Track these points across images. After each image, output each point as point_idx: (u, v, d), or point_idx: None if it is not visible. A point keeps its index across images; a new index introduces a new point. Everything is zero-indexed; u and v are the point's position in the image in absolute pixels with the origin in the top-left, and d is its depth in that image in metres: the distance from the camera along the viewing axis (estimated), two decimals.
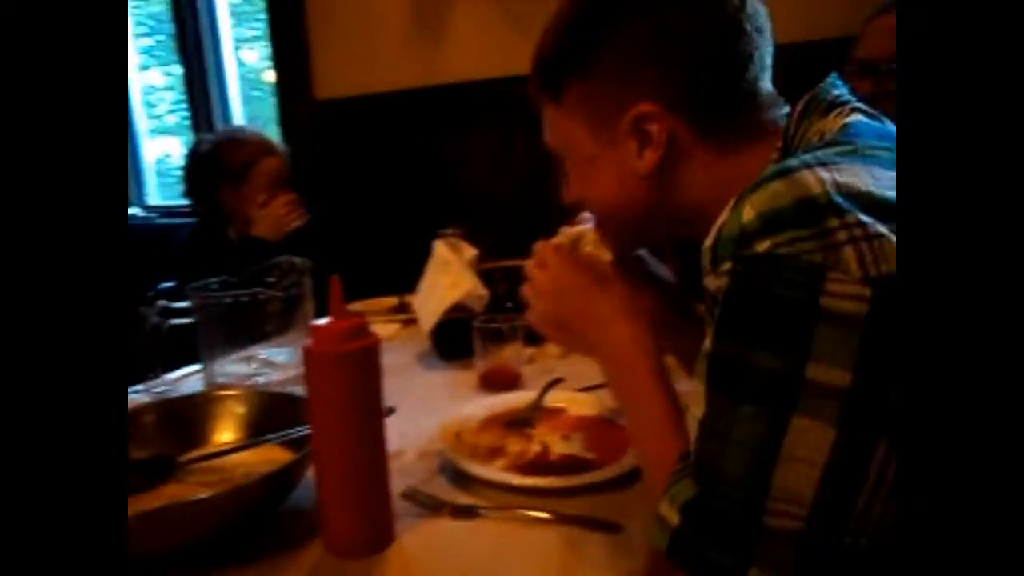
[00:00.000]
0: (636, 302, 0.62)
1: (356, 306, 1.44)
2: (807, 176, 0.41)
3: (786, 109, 0.57)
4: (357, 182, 1.83)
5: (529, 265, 0.68)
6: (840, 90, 0.55)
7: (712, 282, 0.43)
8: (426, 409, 0.87)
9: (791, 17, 1.22)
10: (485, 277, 1.10)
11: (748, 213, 0.41)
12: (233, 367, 0.86)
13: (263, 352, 0.87)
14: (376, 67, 1.74)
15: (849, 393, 0.37)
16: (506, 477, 0.67)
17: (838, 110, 0.52)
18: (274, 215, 1.51)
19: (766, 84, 0.57)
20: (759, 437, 0.40)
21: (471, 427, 0.80)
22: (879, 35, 1.13)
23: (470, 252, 1.10)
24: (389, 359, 0.97)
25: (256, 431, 0.71)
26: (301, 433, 0.65)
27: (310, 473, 0.61)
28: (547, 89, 0.60)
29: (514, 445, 0.75)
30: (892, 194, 0.40)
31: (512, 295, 1.13)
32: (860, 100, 0.55)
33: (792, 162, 0.43)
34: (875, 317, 0.37)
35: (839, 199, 0.39)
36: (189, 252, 1.53)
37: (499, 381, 0.95)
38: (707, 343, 0.43)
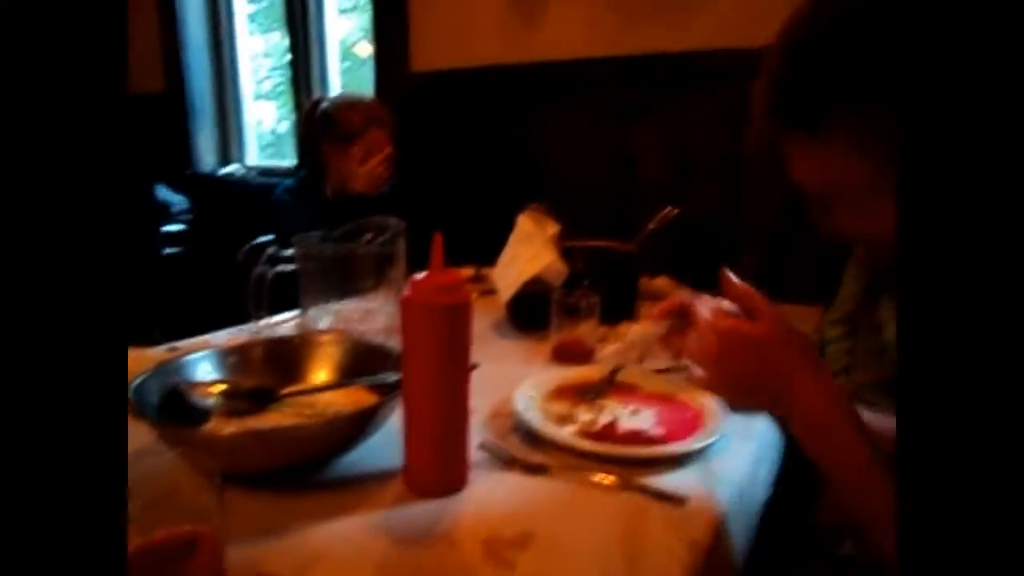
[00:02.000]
0: (810, 347, 0.58)
1: None
2: None
3: None
4: (447, 154, 1.87)
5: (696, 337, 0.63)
6: None
7: None
8: (501, 373, 0.90)
9: None
10: (565, 254, 1.12)
11: None
12: (329, 316, 0.92)
13: (357, 304, 0.93)
14: (472, 42, 1.77)
15: None
16: (576, 441, 0.70)
17: None
18: (370, 171, 1.60)
19: None
20: None
21: (544, 393, 0.83)
22: None
23: (553, 228, 1.12)
24: None
25: (346, 374, 0.77)
26: (389, 379, 0.70)
27: (394, 417, 0.66)
28: (808, 125, 0.52)
29: (585, 414, 0.77)
30: None
31: (590, 273, 1.16)
32: None
33: None
34: None
35: None
36: (287, 206, 1.63)
37: (572, 354, 0.98)
38: None
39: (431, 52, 1.87)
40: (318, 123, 1.64)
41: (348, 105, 1.66)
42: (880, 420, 0.64)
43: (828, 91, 0.50)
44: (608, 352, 0.81)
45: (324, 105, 1.67)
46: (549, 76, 1.65)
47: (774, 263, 1.41)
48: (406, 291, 0.60)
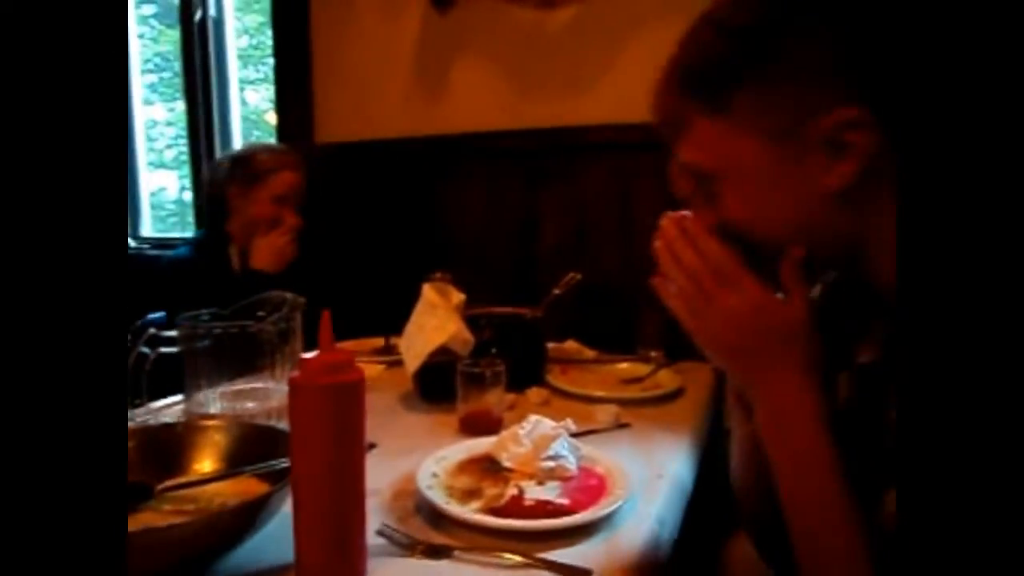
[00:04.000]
0: (816, 348, 0.55)
1: (343, 346, 1.45)
2: None
3: None
4: (352, 224, 1.86)
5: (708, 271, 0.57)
6: None
7: None
8: (406, 449, 0.87)
9: None
10: (471, 323, 1.12)
11: None
12: (217, 398, 0.86)
13: (249, 384, 0.88)
14: (376, 115, 1.80)
15: None
16: (480, 518, 0.68)
17: None
18: (273, 246, 1.51)
19: None
20: None
21: (449, 468, 0.80)
22: None
23: (457, 297, 1.13)
24: (372, 399, 0.98)
25: (235, 462, 0.71)
26: (279, 466, 0.66)
27: (286, 506, 0.62)
28: (706, 100, 0.53)
29: (491, 488, 0.75)
30: None
31: (497, 340, 1.16)
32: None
33: None
34: None
35: None
36: (182, 278, 1.51)
37: (480, 425, 0.96)
38: None
39: (335, 124, 1.88)
40: (230, 163, 1.56)
41: (264, 150, 1.61)
42: None
43: (737, 64, 0.51)
44: (512, 455, 0.80)
45: (240, 150, 1.62)
46: (452, 148, 1.69)
47: (673, 323, 1.47)
48: (294, 371, 0.58)
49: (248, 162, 1.55)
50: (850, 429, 0.55)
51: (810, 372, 0.55)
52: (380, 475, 0.79)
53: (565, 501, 0.72)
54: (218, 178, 1.58)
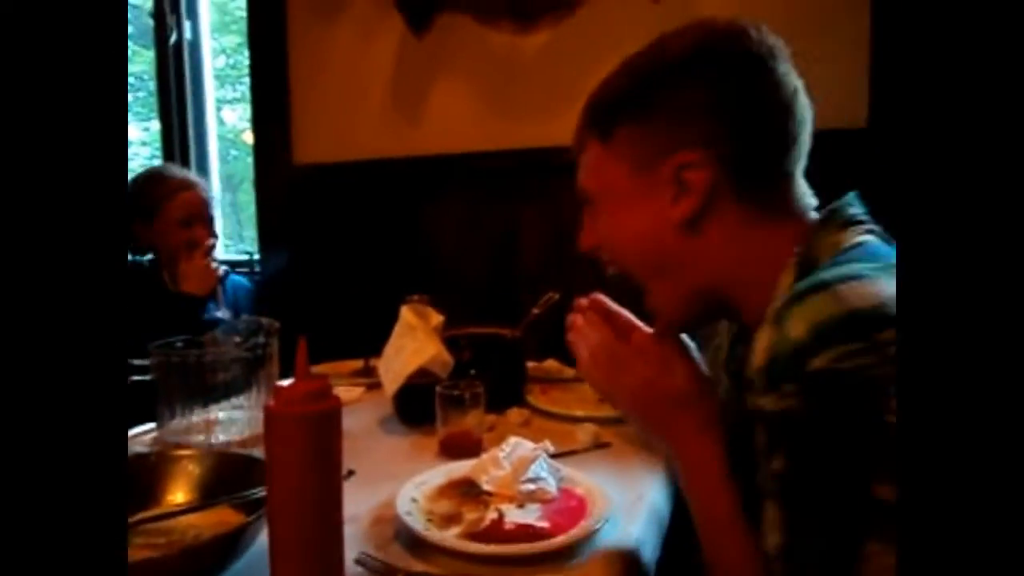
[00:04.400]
0: (709, 406, 0.64)
1: (322, 368, 1.43)
2: (846, 290, 0.43)
3: (815, 202, 0.60)
4: (330, 246, 1.85)
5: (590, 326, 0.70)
6: (857, 209, 0.58)
7: (774, 403, 0.44)
8: (385, 474, 0.87)
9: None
10: (450, 344, 1.12)
11: (797, 328, 0.43)
12: (192, 427, 0.85)
13: (224, 412, 0.87)
14: (355, 136, 1.80)
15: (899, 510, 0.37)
16: (460, 544, 0.68)
17: (854, 227, 0.55)
18: (197, 270, 1.50)
19: (800, 172, 0.60)
20: (839, 565, 0.40)
21: (428, 493, 0.80)
22: None
23: (436, 318, 1.12)
24: (351, 422, 0.97)
25: (210, 492, 0.70)
26: (255, 495, 0.65)
27: (263, 536, 0.61)
28: (598, 128, 0.63)
29: (471, 512, 0.75)
30: None
31: (477, 361, 1.16)
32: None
33: (825, 276, 0.45)
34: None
35: (885, 314, 0.41)
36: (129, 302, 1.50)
37: (459, 447, 0.96)
38: (778, 465, 0.44)
39: (314, 145, 1.88)
40: (127, 202, 1.52)
41: (148, 179, 1.57)
42: None
43: (624, 102, 0.62)
44: (492, 478, 0.80)
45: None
46: (430, 169, 1.70)
47: None
48: (269, 399, 0.57)
49: (140, 195, 1.53)
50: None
51: (706, 431, 0.63)
52: (359, 501, 0.78)
53: (545, 524, 0.72)
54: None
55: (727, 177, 0.57)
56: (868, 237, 0.55)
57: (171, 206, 1.52)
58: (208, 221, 1.57)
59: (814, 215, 0.60)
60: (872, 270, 0.46)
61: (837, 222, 0.57)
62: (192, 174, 1.67)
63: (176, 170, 1.66)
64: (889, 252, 0.53)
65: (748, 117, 0.58)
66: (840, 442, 0.41)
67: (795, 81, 0.60)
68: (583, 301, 0.75)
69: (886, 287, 0.43)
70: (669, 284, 0.63)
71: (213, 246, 1.55)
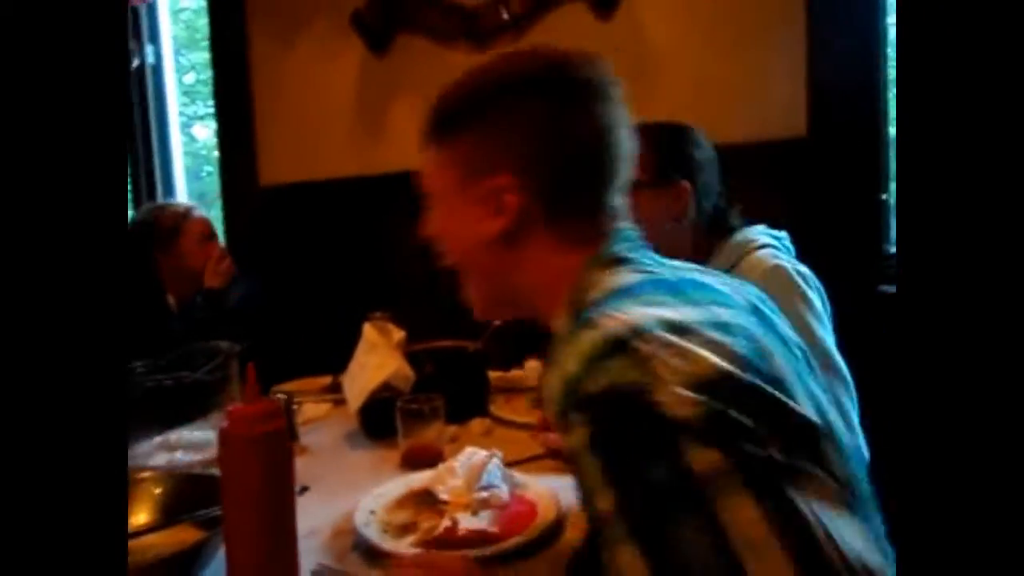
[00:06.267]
0: None
1: (291, 385, 1.46)
2: (606, 320, 0.47)
3: (623, 224, 0.63)
4: (296, 264, 1.88)
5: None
6: (621, 245, 0.61)
7: (572, 440, 0.47)
8: (347, 487, 0.90)
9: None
10: (412, 358, 1.15)
11: (570, 364, 0.47)
12: (153, 449, 0.87)
13: (185, 434, 0.90)
14: (317, 156, 1.83)
15: (735, 465, 0.42)
16: (414, 552, 0.71)
17: (616, 268, 0.58)
18: (224, 269, 1.67)
19: (614, 200, 0.63)
20: (709, 544, 0.42)
21: (387, 504, 0.83)
22: None
23: (398, 334, 1.16)
24: (318, 437, 1.01)
25: (172, 512, 0.73)
26: (212, 514, 0.68)
27: (223, 552, 0.64)
28: (435, 132, 0.65)
29: (426, 521, 0.78)
30: (694, 317, 0.48)
31: (440, 374, 1.19)
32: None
33: (591, 314, 0.50)
34: (715, 413, 0.42)
35: (640, 329, 0.46)
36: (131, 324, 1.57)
37: (421, 459, 0.99)
38: (606, 503, 0.44)
39: (279, 165, 1.90)
40: (137, 237, 1.67)
41: (157, 209, 1.75)
42: None
43: (463, 114, 0.64)
44: (448, 487, 0.83)
45: (134, 222, 1.73)
46: (391, 187, 1.73)
47: None
48: (223, 422, 0.60)
49: (153, 228, 1.68)
50: None
51: None
52: (321, 514, 0.82)
53: (495, 529, 0.76)
54: (135, 250, 1.68)
55: (537, 204, 0.60)
56: (633, 277, 0.56)
57: (190, 227, 1.68)
58: (216, 234, 1.76)
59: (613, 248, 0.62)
60: (632, 303, 0.50)
61: (601, 262, 0.59)
62: (187, 203, 1.84)
63: (173, 200, 1.87)
64: (656, 283, 0.55)
65: (566, 148, 0.61)
66: (637, 447, 0.43)
67: (618, 118, 0.62)
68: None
69: (640, 310, 0.48)
70: (484, 284, 0.67)
71: (226, 249, 1.73)
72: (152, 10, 2.16)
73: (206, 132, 2.57)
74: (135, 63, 2.13)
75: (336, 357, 1.31)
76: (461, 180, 0.64)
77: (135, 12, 2.11)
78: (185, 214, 1.70)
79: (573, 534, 0.77)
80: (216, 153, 2.42)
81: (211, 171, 2.46)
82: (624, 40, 1.51)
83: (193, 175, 2.48)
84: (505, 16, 1.57)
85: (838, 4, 1.38)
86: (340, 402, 1.30)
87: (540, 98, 0.61)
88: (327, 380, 1.48)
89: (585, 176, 0.62)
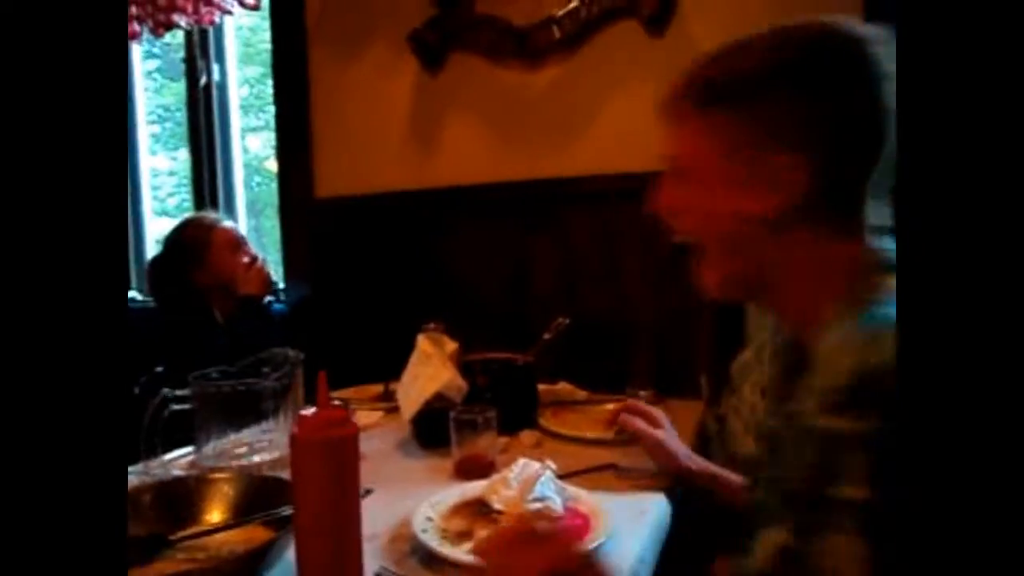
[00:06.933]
0: None
1: (344, 393, 1.50)
2: None
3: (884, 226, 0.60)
4: (351, 275, 1.93)
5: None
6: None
7: (841, 423, 0.46)
8: (402, 494, 0.92)
9: None
10: (465, 370, 1.17)
11: (874, 357, 0.45)
12: (225, 451, 0.92)
13: (255, 437, 0.94)
14: (372, 171, 1.89)
15: None
16: (471, 559, 0.73)
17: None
18: (259, 275, 1.69)
19: (878, 195, 0.60)
20: None
21: (443, 512, 0.85)
22: None
23: (451, 346, 1.19)
24: (371, 445, 1.04)
25: (243, 511, 0.77)
26: (283, 513, 0.71)
27: (291, 551, 0.67)
28: (701, 101, 0.62)
29: (481, 530, 0.80)
30: None
31: (491, 386, 1.21)
32: None
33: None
34: None
35: None
36: (179, 340, 1.61)
37: (473, 469, 1.01)
38: (857, 493, 0.44)
39: (335, 179, 1.97)
40: (171, 259, 1.70)
41: (183, 226, 1.75)
42: None
43: (733, 87, 0.61)
44: (502, 498, 0.85)
45: (163, 247, 1.75)
46: (445, 201, 1.78)
47: (660, 361, 1.53)
48: (293, 427, 0.64)
49: (185, 243, 1.69)
50: None
51: None
52: (378, 519, 0.84)
53: None
54: (173, 272, 1.70)
55: (818, 187, 0.57)
56: None
57: (218, 236, 1.69)
58: (246, 241, 1.77)
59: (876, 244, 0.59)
60: None
61: (885, 266, 0.56)
62: (213, 214, 1.86)
63: (204, 213, 1.87)
64: None
65: (852, 134, 0.58)
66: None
67: (894, 103, 0.58)
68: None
69: None
70: (728, 262, 0.64)
71: (265, 259, 1.74)
72: (219, 31, 2.27)
73: (257, 143, 2.66)
74: (202, 81, 2.24)
75: (387, 366, 1.35)
76: (726, 153, 0.61)
77: (203, 32, 2.22)
78: (211, 226, 1.71)
79: (628, 545, 0.78)
80: (267, 164, 2.52)
81: (260, 181, 2.55)
82: (676, 57, 1.51)
83: (245, 185, 2.57)
84: (557, 34, 1.60)
85: (892, 18, 1.36)
86: (392, 410, 1.34)
87: (831, 79, 0.58)
88: (379, 389, 1.52)
89: (866, 163, 0.58)
